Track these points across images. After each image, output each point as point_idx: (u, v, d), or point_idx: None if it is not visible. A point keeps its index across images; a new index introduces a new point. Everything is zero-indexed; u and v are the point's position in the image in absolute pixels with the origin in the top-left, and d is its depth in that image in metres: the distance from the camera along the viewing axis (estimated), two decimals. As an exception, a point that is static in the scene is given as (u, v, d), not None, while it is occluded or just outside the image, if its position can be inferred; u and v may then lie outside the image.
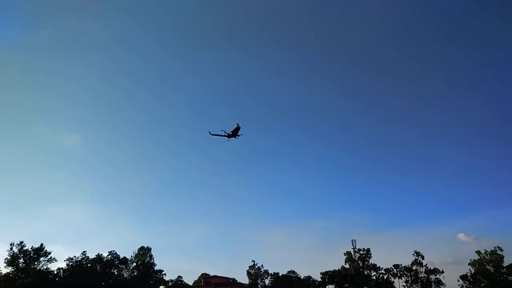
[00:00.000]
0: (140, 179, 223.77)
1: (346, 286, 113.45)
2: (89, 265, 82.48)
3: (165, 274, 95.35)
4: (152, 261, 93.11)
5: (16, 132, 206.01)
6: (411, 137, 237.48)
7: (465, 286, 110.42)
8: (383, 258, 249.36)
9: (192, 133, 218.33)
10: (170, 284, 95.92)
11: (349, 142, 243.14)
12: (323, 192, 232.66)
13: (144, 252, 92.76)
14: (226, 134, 67.01)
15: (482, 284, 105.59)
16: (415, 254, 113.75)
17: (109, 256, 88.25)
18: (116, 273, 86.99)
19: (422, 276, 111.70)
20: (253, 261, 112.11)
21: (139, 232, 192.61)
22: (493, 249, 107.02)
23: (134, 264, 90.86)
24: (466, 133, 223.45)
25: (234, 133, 67.45)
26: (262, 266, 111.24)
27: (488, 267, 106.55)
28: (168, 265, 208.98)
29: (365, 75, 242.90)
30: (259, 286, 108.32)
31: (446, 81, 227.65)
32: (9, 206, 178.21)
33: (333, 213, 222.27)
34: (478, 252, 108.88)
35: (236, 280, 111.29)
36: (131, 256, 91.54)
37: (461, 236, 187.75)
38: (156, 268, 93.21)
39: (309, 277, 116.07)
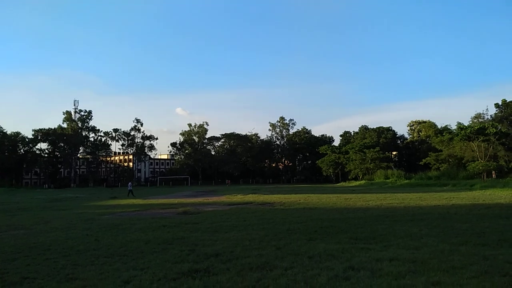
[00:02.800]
0: None
1: (60, 145, 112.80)
2: None
3: None
4: None
5: None
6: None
7: (174, 151, 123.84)
8: (105, 122, 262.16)
9: None
10: None
11: None
12: (45, 43, 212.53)
13: None
14: None
15: (187, 151, 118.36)
16: (135, 121, 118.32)
17: None
18: None
19: (138, 141, 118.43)
20: None
21: None
22: (201, 123, 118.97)
23: None
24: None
25: None
26: None
27: (194, 137, 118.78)
28: None
29: None
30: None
31: None
32: None
33: (55, 69, 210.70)
34: (189, 125, 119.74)
35: None
36: None
37: (178, 110, 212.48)
38: None
39: (17, 133, 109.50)
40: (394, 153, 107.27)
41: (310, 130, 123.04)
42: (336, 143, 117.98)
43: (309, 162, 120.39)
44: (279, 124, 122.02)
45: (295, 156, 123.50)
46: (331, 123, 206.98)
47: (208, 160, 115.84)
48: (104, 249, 10.44)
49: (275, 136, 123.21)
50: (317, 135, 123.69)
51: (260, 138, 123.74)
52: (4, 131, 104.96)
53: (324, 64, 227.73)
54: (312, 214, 18.35)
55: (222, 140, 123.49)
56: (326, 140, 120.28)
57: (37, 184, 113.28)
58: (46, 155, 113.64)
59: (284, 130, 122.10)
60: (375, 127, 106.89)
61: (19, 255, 9.97)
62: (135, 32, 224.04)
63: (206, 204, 28.55)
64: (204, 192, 53.96)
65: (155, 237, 12.12)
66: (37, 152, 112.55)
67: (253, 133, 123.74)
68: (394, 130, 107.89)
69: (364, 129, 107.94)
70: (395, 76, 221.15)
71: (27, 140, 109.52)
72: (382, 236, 11.37)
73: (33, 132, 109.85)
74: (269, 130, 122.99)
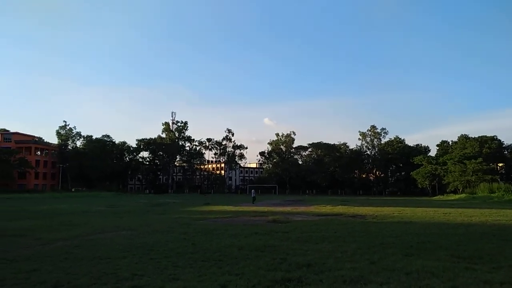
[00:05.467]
0: None
1: (160, 153, 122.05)
2: None
3: None
4: None
5: None
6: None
7: (262, 160, 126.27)
8: (199, 132, 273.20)
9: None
10: None
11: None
12: (145, 59, 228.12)
13: None
14: None
15: (274, 160, 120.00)
16: (227, 131, 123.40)
17: None
18: None
19: (230, 150, 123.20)
20: (64, 121, 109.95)
21: None
22: (288, 132, 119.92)
23: None
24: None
25: None
26: (74, 127, 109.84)
27: (282, 146, 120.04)
28: None
29: None
30: (69, 147, 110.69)
31: None
32: None
33: (155, 82, 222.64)
34: (277, 134, 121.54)
35: (43, 139, 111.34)
36: None
37: (266, 120, 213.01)
38: None
39: (124, 143, 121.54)
40: (500, 164, 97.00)
41: (403, 140, 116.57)
42: (432, 153, 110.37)
43: (402, 173, 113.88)
44: (369, 133, 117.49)
45: (387, 167, 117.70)
46: (426, 132, 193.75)
47: (295, 170, 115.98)
48: (200, 253, 11.02)
49: (366, 146, 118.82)
50: (411, 145, 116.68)
51: (349, 148, 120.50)
52: (113, 141, 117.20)
53: (419, 73, 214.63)
54: (408, 228, 17.35)
55: (310, 149, 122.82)
56: (421, 150, 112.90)
57: (139, 190, 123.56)
58: (147, 163, 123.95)
59: (376, 139, 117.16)
60: (476, 136, 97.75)
61: (128, 253, 10.98)
62: (225, 47, 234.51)
63: (295, 213, 28.58)
64: (292, 201, 54.08)
65: (248, 244, 12.47)
66: (140, 160, 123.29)
67: (342, 142, 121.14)
68: (499, 140, 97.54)
69: (464, 138, 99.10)
70: (500, 79, 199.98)
71: (131, 149, 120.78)
72: (490, 256, 10.35)
73: (136, 142, 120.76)
74: (359, 139, 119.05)
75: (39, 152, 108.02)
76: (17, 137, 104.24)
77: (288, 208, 34.90)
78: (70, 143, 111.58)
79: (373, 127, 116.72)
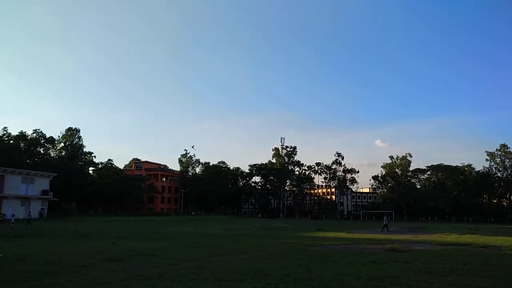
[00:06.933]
0: (68, 56, 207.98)
1: (270, 178, 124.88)
2: (11, 141, 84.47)
3: (95, 157, 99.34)
4: (81, 142, 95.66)
5: None
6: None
7: (375, 185, 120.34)
8: (308, 156, 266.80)
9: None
10: (100, 166, 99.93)
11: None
12: (256, 89, 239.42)
13: (72, 133, 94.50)
14: None
15: (389, 184, 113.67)
16: (336, 155, 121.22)
17: (34, 135, 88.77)
18: (42, 152, 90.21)
19: (340, 174, 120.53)
20: (185, 149, 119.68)
21: (66, 112, 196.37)
22: (404, 154, 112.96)
23: (62, 144, 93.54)
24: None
25: None
26: (194, 155, 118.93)
27: (397, 170, 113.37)
28: (98, 149, 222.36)
29: None
30: (189, 173, 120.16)
31: None
32: None
33: (264, 110, 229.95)
34: (391, 157, 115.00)
35: (168, 167, 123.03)
36: (59, 137, 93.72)
37: (378, 142, 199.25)
38: (85, 150, 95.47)
39: (237, 168, 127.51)
40: None
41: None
42: None
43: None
44: (499, 153, 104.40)
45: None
46: None
47: (413, 194, 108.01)
48: (317, 280, 10.91)
49: (495, 167, 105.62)
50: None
51: (475, 170, 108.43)
52: (228, 167, 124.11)
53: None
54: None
55: (428, 172, 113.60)
56: None
57: (252, 213, 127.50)
58: (259, 187, 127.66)
59: (507, 160, 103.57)
60: None
61: (246, 277, 11.39)
62: (329, 72, 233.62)
63: (415, 242, 26.57)
64: (410, 228, 50.40)
65: (366, 273, 11.97)
66: (252, 184, 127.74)
67: (466, 164, 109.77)
68: None
69: None
70: None
71: (244, 174, 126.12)
72: None
73: (249, 167, 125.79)
74: (486, 160, 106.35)
75: (164, 179, 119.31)
76: (146, 165, 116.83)
77: (407, 236, 32.61)
78: (190, 169, 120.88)
79: (504, 146, 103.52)
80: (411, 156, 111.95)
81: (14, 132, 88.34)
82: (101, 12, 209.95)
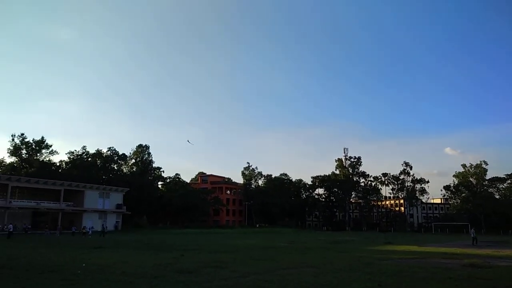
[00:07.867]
0: (138, 77, 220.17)
1: (334, 190, 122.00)
2: (89, 159, 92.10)
3: (163, 171, 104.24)
4: (151, 158, 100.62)
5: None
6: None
7: (447, 195, 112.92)
8: (373, 167, 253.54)
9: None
10: (168, 180, 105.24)
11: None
12: (317, 100, 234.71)
13: (142, 150, 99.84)
14: None
15: (463, 194, 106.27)
16: (404, 165, 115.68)
17: (109, 152, 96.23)
18: (116, 168, 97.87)
19: (408, 185, 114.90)
20: (248, 163, 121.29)
21: (136, 130, 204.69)
22: (478, 162, 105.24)
23: (133, 160, 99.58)
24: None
25: None
26: (256, 168, 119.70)
27: (471, 179, 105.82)
28: (166, 164, 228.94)
29: None
30: (252, 186, 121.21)
31: None
32: (3, 99, 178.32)
33: (327, 121, 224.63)
34: (464, 165, 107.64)
35: (231, 180, 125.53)
36: (130, 153, 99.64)
37: (447, 150, 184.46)
38: (154, 165, 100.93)
39: (300, 180, 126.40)
40: None
41: None
42: None
43: None
44: None
45: None
46: None
47: (492, 205, 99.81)
48: (389, 295, 10.43)
49: None
50: None
51: None
52: (290, 179, 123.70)
53: None
54: None
55: (509, 181, 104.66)
56: None
57: (316, 226, 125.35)
58: (323, 200, 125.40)
59: None
60: None
61: (314, 291, 11.19)
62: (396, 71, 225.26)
63: (497, 257, 24.44)
64: (490, 242, 46.47)
65: (443, 290, 11.24)
66: (316, 196, 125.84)
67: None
68: None
69: None
70: None
71: (307, 186, 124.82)
72: None
73: (311, 179, 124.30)
74: None
75: (228, 191, 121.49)
76: (212, 179, 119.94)
77: (487, 251, 30.12)
78: (253, 182, 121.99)
79: None
80: (487, 164, 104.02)
81: (91, 150, 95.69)
82: (171, 38, 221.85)
